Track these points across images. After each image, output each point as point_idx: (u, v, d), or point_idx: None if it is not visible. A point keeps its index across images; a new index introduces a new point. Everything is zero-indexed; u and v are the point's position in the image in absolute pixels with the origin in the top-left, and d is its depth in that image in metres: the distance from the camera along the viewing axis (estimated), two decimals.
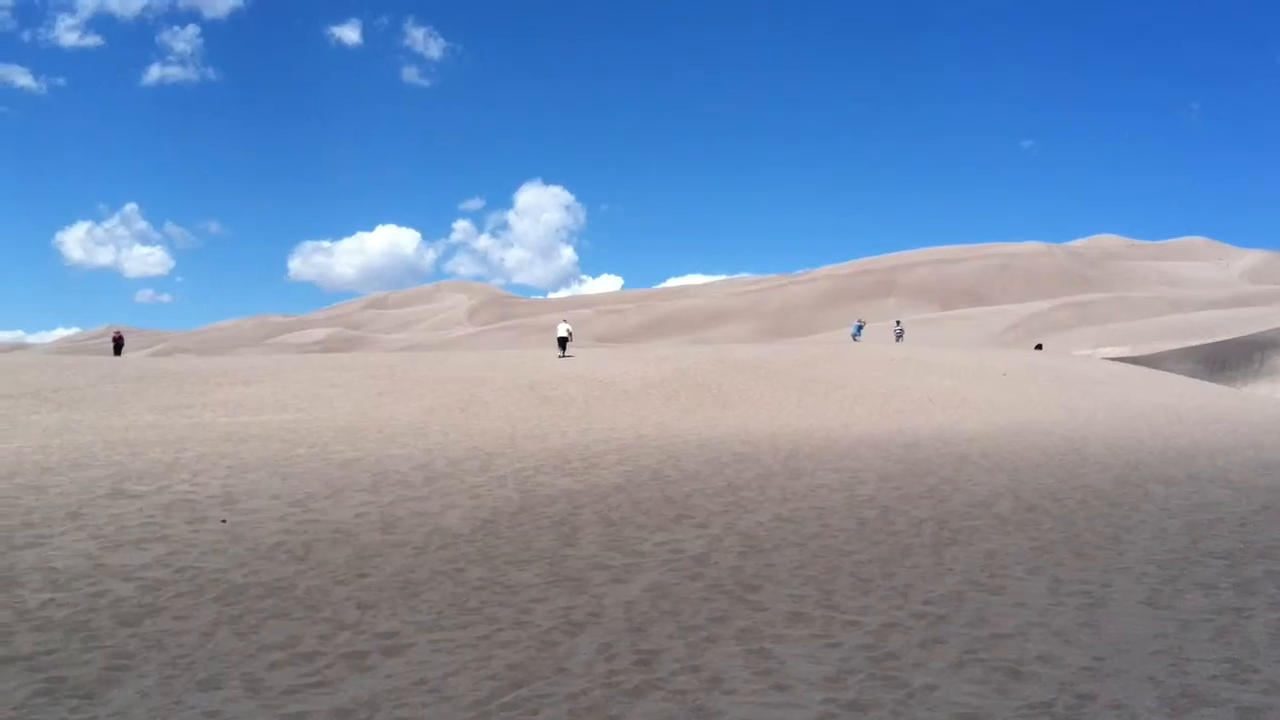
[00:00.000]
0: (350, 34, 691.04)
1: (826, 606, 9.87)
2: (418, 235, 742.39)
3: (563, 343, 47.47)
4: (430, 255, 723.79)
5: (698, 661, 8.33)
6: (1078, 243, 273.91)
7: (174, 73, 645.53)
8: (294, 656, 8.49)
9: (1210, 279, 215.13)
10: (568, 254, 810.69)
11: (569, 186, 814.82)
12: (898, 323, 74.03)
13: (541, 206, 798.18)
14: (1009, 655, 8.36)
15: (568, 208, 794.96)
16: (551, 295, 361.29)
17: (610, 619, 9.51)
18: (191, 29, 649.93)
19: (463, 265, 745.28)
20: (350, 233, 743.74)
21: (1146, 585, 10.48)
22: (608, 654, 8.52)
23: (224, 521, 13.40)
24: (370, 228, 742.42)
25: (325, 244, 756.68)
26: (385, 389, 31.31)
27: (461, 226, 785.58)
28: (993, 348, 60.32)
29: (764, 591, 10.42)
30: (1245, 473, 17.63)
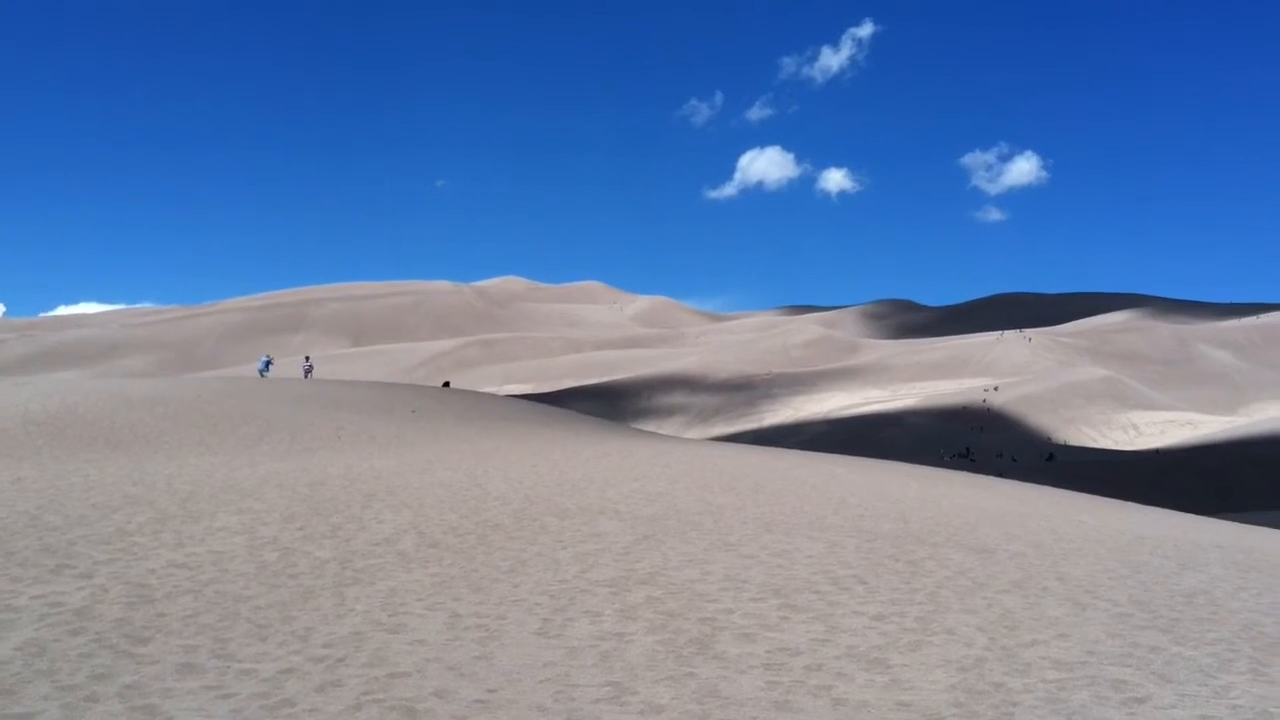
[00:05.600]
0: None
1: (221, 656, 9.45)
2: None
3: None
4: None
5: None
6: (485, 283, 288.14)
7: None
8: None
9: (606, 321, 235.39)
10: None
11: None
12: (306, 358, 72.87)
13: None
14: (406, 694, 8.46)
15: None
16: None
17: None
18: None
19: None
20: None
21: (539, 615, 11.08)
22: None
23: None
24: None
25: None
26: None
27: None
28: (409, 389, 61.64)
29: (154, 644, 9.78)
30: (631, 503, 19.21)
